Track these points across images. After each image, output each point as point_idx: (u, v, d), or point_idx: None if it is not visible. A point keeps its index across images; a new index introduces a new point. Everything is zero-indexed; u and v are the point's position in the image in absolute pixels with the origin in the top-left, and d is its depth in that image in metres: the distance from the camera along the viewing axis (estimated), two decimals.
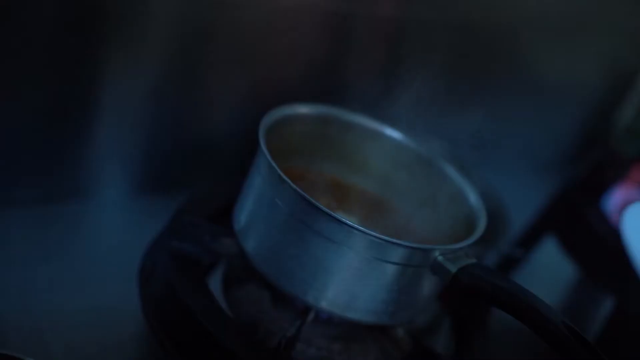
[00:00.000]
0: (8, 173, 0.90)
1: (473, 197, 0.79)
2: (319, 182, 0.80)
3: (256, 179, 0.73)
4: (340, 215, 0.67)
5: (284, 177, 0.69)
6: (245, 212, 0.75)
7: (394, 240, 0.68)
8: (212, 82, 0.99)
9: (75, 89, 0.89)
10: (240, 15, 0.95)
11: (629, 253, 0.56)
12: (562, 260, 1.05)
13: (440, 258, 0.70)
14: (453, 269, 0.69)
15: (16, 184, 0.91)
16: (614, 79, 1.36)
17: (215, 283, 0.76)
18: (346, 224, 0.67)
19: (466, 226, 0.75)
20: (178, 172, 1.02)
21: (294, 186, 0.69)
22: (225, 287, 0.76)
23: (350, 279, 0.70)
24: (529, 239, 1.07)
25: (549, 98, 1.28)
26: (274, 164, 0.70)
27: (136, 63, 0.91)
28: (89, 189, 0.97)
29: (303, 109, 0.80)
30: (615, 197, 1.03)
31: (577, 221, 1.03)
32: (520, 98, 1.25)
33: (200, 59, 0.96)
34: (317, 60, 1.05)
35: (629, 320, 1.00)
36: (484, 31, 1.18)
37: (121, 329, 0.81)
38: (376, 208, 0.82)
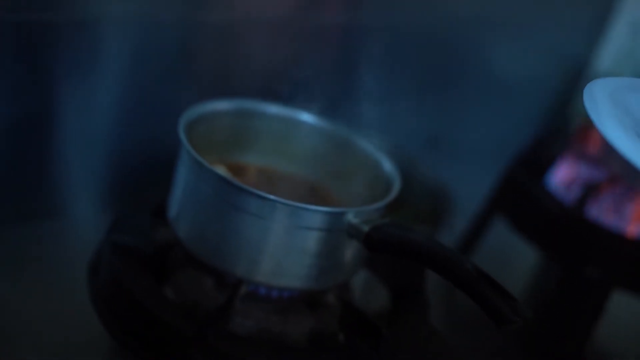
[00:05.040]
0: None
1: (387, 166, 0.84)
2: (249, 172, 0.86)
3: (181, 169, 0.79)
4: (258, 190, 0.73)
5: (203, 161, 0.75)
6: (175, 202, 0.81)
7: (310, 207, 0.74)
8: (173, 96, 1.03)
9: (36, 107, 0.93)
10: (196, 29, 1.00)
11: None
12: (516, 240, 1.08)
13: (354, 220, 0.75)
14: (366, 228, 0.74)
15: None
16: (567, 71, 1.40)
17: (157, 271, 0.81)
18: (265, 197, 0.73)
19: (384, 193, 0.80)
20: (147, 187, 1.04)
21: (213, 169, 0.75)
22: (168, 273, 0.82)
23: (275, 249, 0.75)
24: (480, 222, 1.10)
25: (502, 93, 1.32)
26: (193, 152, 0.76)
27: (97, 79, 0.95)
28: (58, 208, 1.00)
29: (222, 105, 0.86)
30: (559, 172, 1.07)
31: (523, 199, 1.07)
32: (474, 95, 1.29)
33: (161, 74, 1.01)
34: (273, 69, 1.10)
35: (581, 287, 1.03)
36: (434, 31, 1.23)
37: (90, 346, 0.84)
38: (304, 188, 0.88)
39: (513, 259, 1.16)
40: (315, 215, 0.74)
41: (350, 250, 0.78)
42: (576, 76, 1.41)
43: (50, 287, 0.88)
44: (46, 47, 0.91)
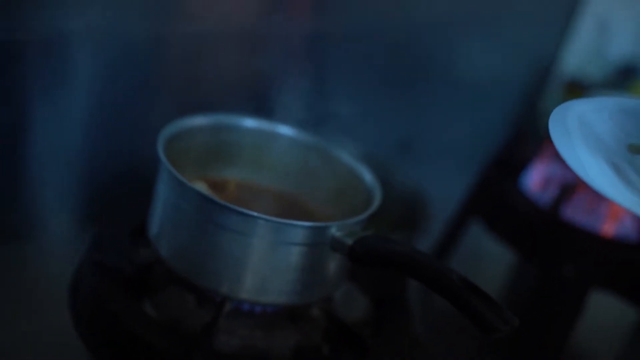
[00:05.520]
0: None
1: (368, 177, 0.84)
2: (229, 187, 0.86)
3: (160, 187, 0.79)
4: (239, 207, 0.72)
5: (183, 180, 0.75)
6: (156, 220, 0.80)
7: (292, 222, 0.74)
8: (147, 109, 1.03)
9: (8, 125, 0.92)
10: (167, 42, 1.00)
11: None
12: (492, 242, 1.08)
13: (337, 234, 0.75)
14: (349, 241, 0.74)
15: None
16: (535, 70, 1.41)
17: (139, 290, 0.81)
18: (246, 213, 0.73)
19: (365, 204, 0.80)
20: (126, 204, 1.04)
21: (193, 187, 0.75)
22: (150, 293, 0.81)
23: (259, 265, 0.75)
24: (456, 225, 1.11)
25: (473, 94, 1.33)
26: (173, 170, 0.75)
27: (70, 96, 0.95)
28: (36, 228, 1.00)
29: (200, 120, 0.86)
30: (533, 174, 1.08)
31: (498, 201, 1.08)
32: (445, 97, 1.29)
33: (133, 88, 1.00)
34: (241, 81, 1.10)
35: (558, 287, 1.04)
36: (402, 35, 1.23)
37: None
38: (284, 201, 0.87)
39: (490, 261, 1.17)
40: (298, 230, 0.74)
41: (334, 264, 0.78)
42: (545, 74, 1.42)
43: (30, 309, 0.88)
44: (17, 65, 0.90)
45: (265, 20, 1.08)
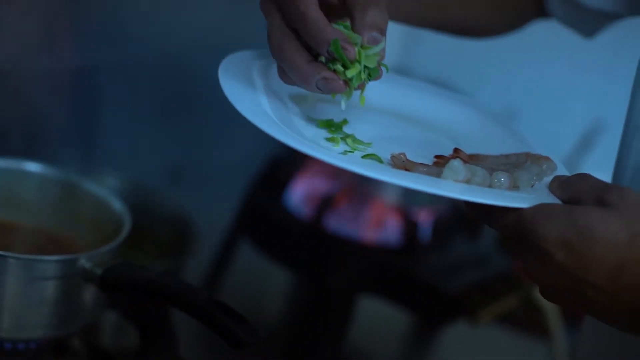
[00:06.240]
0: None
1: (117, 205, 0.85)
2: None
3: None
4: None
5: None
6: None
7: (41, 258, 0.75)
8: None
9: None
10: None
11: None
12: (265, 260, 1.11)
13: (87, 264, 0.76)
14: (99, 271, 0.75)
15: None
16: None
17: None
18: None
19: (116, 232, 0.82)
20: None
21: None
22: None
23: (14, 303, 0.76)
24: (227, 247, 1.13)
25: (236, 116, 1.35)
26: None
27: None
28: None
29: None
30: (296, 189, 1.12)
31: (265, 220, 1.11)
32: (212, 120, 1.31)
33: None
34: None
35: (328, 297, 1.08)
36: (164, 62, 1.25)
37: None
38: (41, 236, 0.88)
39: (264, 279, 1.20)
40: (48, 264, 0.75)
41: (90, 294, 0.79)
42: None
43: None
44: None
45: (29, 54, 1.08)
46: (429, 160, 0.63)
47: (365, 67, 0.63)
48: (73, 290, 0.77)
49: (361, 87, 0.64)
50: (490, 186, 0.59)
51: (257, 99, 0.65)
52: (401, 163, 0.61)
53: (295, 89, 0.67)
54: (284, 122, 0.63)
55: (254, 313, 0.87)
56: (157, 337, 0.87)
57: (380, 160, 0.63)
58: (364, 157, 0.64)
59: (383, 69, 0.65)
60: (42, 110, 1.12)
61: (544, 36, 1.13)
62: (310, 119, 0.68)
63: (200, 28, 1.24)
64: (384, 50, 0.64)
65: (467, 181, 0.59)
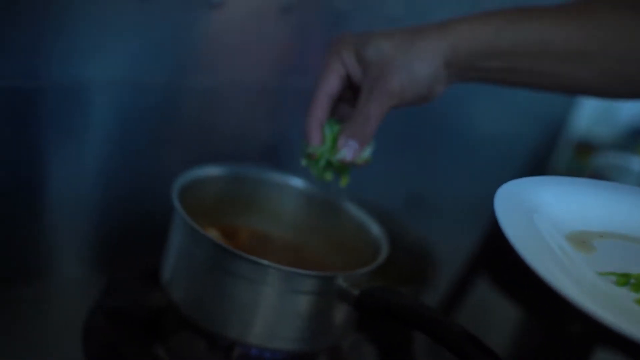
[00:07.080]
0: None
1: (375, 229, 0.86)
2: (240, 235, 0.88)
3: (174, 234, 0.81)
4: (250, 255, 0.75)
5: (197, 227, 0.77)
6: (169, 266, 0.82)
7: (301, 272, 0.76)
8: (160, 158, 1.05)
9: (26, 171, 0.94)
10: (182, 94, 1.03)
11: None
12: (499, 297, 1.10)
13: (344, 284, 0.77)
14: (356, 292, 0.76)
15: None
16: (544, 130, 1.44)
17: (150, 335, 0.83)
18: (258, 262, 0.75)
19: (372, 256, 0.82)
20: (138, 249, 1.06)
21: (207, 235, 0.77)
22: (161, 337, 0.83)
23: (268, 312, 0.77)
24: (463, 280, 1.12)
25: (484, 151, 1.35)
26: (187, 218, 0.78)
27: (86, 143, 0.97)
28: (51, 271, 1.01)
29: (214, 170, 0.89)
30: None
31: (505, 257, 1.09)
32: (456, 153, 1.31)
33: (148, 137, 1.03)
34: (254, 133, 1.13)
35: (564, 343, 1.05)
36: None
37: None
38: (293, 250, 0.90)
39: (496, 316, 1.18)
40: (307, 279, 0.76)
41: (341, 313, 0.80)
42: (554, 134, 1.44)
43: (43, 352, 0.89)
44: (34, 113, 0.92)
45: (280, 75, 1.11)
46: None
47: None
48: (327, 307, 0.78)
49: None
50: None
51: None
52: None
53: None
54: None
55: None
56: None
57: None
58: None
59: None
60: (290, 127, 1.14)
61: None
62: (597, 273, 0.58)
63: None
64: (356, 156, 0.81)
65: None
